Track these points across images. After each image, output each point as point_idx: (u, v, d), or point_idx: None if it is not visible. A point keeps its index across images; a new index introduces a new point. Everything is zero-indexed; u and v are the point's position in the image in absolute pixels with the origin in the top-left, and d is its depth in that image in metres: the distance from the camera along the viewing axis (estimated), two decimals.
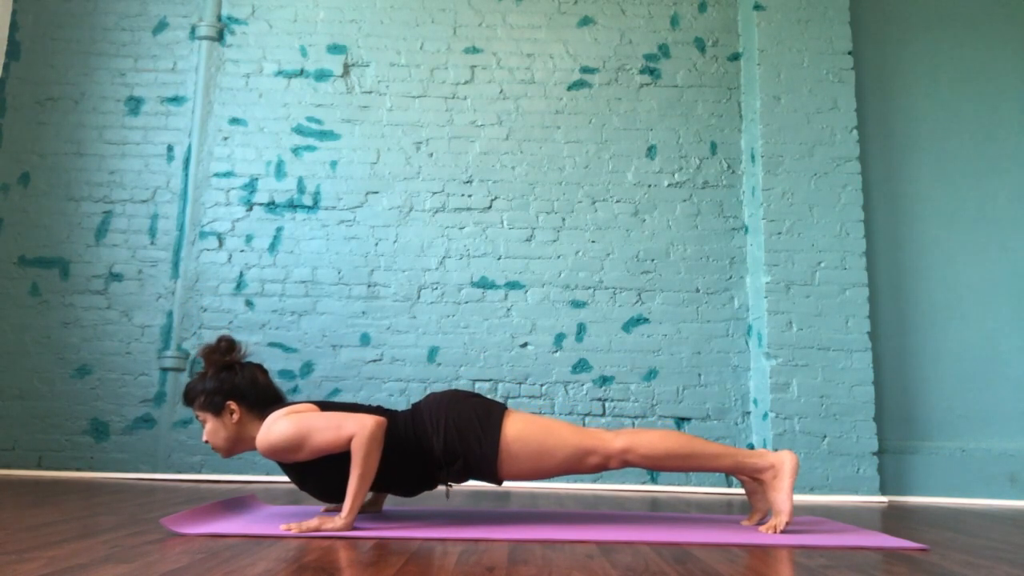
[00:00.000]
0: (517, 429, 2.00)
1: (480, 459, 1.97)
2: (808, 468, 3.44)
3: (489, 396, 3.67)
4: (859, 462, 3.46)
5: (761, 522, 2.12)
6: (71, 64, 3.99)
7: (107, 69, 3.99)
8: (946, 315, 3.79)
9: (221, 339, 2.08)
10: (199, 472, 3.58)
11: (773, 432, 3.47)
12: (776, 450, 3.40)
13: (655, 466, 2.04)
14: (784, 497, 1.96)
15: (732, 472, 2.07)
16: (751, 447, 3.65)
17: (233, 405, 2.01)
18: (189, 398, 2.05)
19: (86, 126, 3.93)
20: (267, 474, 3.58)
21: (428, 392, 3.69)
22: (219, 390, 2.01)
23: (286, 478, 3.57)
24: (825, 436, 3.49)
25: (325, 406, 2.00)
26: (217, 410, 2.01)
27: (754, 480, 2.07)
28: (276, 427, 1.89)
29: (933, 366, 3.74)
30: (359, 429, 1.85)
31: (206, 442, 2.05)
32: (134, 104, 3.96)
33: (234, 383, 2.02)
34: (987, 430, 3.67)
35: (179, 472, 3.59)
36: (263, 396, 2.04)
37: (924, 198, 3.92)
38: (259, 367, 2.11)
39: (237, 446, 2.04)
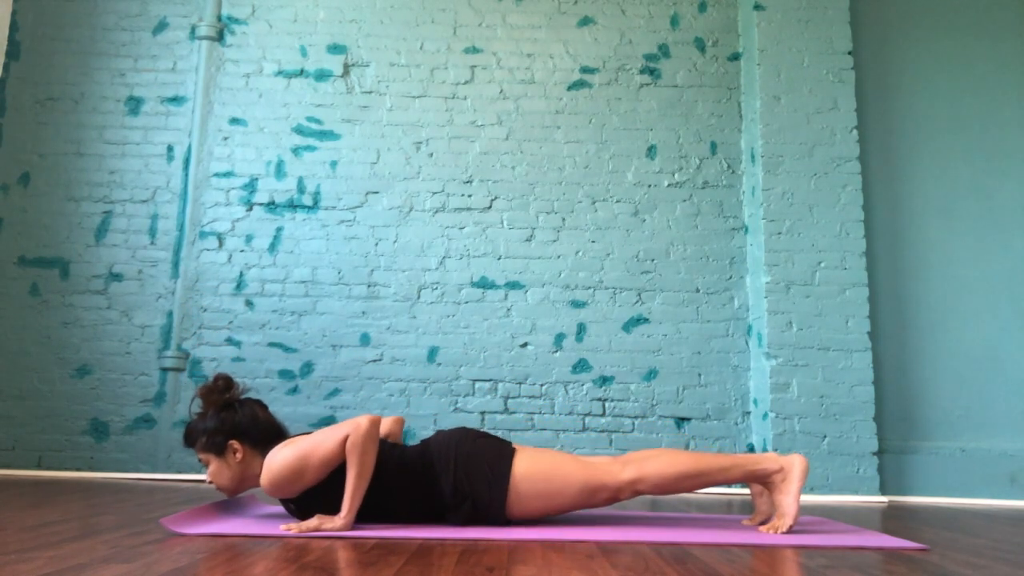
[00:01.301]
0: (524, 468, 1.98)
1: (489, 502, 1.96)
2: (808, 468, 3.43)
3: (493, 395, 3.67)
4: (859, 462, 3.46)
5: (763, 523, 2.12)
6: (71, 64, 3.99)
7: (107, 69, 3.99)
8: (946, 315, 3.79)
9: (218, 377, 2.06)
10: (199, 472, 3.58)
11: (773, 432, 3.47)
12: (776, 451, 3.41)
13: (667, 491, 2.02)
14: (791, 500, 1.96)
15: (743, 481, 2.06)
16: (751, 447, 3.65)
17: (236, 444, 1.98)
18: (190, 440, 2.02)
19: (86, 126, 3.93)
20: None
21: (427, 391, 3.70)
22: (220, 430, 1.99)
23: None
24: (825, 436, 3.49)
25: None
26: (220, 450, 1.99)
27: (762, 484, 2.06)
28: (277, 459, 1.89)
29: (933, 366, 3.74)
30: (353, 428, 1.85)
31: (210, 483, 2.04)
32: (134, 104, 3.96)
33: (235, 422, 2.00)
34: (987, 430, 3.67)
35: (179, 472, 3.59)
36: (265, 433, 2.02)
37: (924, 198, 3.92)
38: (258, 403, 2.09)
39: (242, 485, 2.03)
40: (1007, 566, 1.59)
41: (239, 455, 1.99)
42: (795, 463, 1.99)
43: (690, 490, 2.05)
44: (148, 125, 3.95)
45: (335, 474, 1.89)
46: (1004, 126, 3.98)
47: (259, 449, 2.00)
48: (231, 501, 2.18)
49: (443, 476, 1.97)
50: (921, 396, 3.71)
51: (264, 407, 2.10)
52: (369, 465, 1.86)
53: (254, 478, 2.01)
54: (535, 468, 1.98)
